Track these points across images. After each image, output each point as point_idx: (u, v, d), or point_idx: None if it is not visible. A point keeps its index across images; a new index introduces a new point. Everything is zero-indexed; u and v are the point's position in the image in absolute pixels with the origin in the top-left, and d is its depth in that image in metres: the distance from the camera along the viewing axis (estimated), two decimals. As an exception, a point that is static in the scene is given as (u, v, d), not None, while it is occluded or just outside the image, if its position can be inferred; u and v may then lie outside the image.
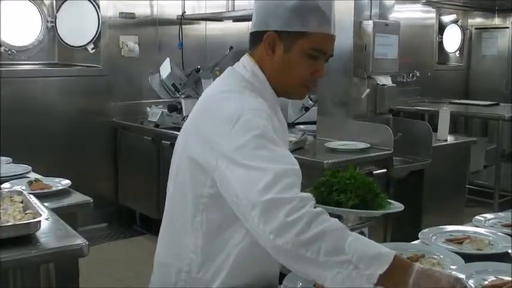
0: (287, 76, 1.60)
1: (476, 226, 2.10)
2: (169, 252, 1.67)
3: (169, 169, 1.72)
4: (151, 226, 4.77)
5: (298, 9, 1.54)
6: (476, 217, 2.19)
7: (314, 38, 1.55)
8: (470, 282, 1.55)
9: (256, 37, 1.62)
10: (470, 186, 5.35)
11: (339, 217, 1.72)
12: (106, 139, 5.25)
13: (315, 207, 1.35)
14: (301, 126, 4.43)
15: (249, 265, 1.60)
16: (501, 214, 2.23)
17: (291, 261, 1.31)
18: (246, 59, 1.65)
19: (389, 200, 1.79)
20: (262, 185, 1.32)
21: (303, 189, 1.80)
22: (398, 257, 1.28)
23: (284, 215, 1.27)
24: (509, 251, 1.78)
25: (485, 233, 2.00)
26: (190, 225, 1.60)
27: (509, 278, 1.53)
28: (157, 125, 4.80)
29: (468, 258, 1.74)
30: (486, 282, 1.55)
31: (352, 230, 3.55)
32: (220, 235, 1.58)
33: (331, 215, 1.73)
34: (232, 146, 1.42)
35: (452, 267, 1.67)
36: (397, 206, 1.79)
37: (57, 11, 5.22)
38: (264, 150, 1.40)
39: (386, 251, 1.28)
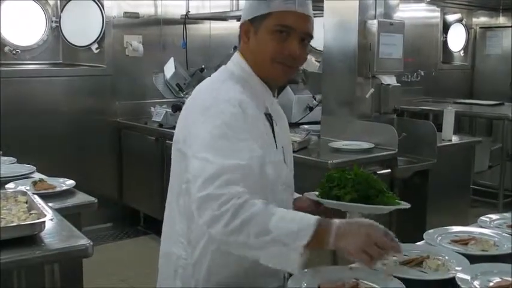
0: (260, 56, 1.67)
1: (482, 227, 2.09)
2: (168, 241, 1.74)
3: (172, 168, 1.77)
4: (155, 226, 4.76)
5: None
6: (482, 218, 2.18)
7: (277, 16, 1.63)
8: (476, 283, 1.55)
9: (239, 35, 1.74)
10: (474, 187, 5.34)
11: (344, 213, 1.75)
12: (110, 139, 5.25)
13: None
14: (305, 126, 4.42)
15: (233, 255, 1.58)
16: (506, 215, 2.22)
17: (228, 247, 1.46)
18: (235, 56, 1.76)
19: (397, 200, 1.79)
20: (202, 180, 1.43)
21: (308, 188, 1.83)
22: (319, 221, 1.41)
23: (213, 209, 1.40)
24: (515, 252, 1.78)
25: (491, 233, 2.00)
26: (177, 210, 1.68)
27: (515, 280, 1.53)
28: (161, 125, 4.80)
29: (473, 259, 1.74)
30: (491, 284, 1.55)
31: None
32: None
33: (338, 211, 1.76)
34: (196, 135, 1.54)
35: (457, 268, 1.67)
36: (403, 204, 1.79)
37: (62, 10, 5.23)
38: (223, 141, 1.49)
39: (307, 223, 1.40)
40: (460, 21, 7.54)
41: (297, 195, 1.90)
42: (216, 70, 1.83)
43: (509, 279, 1.56)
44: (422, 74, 6.48)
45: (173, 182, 1.72)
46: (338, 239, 1.41)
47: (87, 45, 5.20)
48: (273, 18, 1.63)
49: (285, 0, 1.63)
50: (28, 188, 2.45)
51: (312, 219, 1.42)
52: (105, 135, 5.22)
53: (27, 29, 5.15)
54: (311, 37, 1.69)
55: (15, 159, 3.12)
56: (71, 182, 2.67)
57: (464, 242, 1.92)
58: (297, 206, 1.82)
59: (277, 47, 1.63)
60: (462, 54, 7.70)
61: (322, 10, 4.07)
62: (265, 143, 1.63)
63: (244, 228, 1.38)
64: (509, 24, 7.46)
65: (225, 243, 1.45)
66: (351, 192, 1.69)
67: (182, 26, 5.50)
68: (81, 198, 2.54)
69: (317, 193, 1.82)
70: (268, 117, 1.70)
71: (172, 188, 1.73)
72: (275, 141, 1.70)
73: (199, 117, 1.56)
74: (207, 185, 1.42)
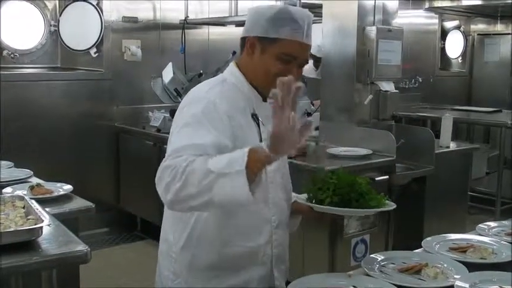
0: (263, 72, 1.78)
1: (480, 234, 2.10)
2: (165, 228, 1.86)
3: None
4: (152, 231, 4.76)
5: (274, 20, 1.75)
6: (480, 225, 2.19)
7: (285, 44, 1.74)
8: (474, 291, 1.55)
9: (242, 42, 1.84)
10: (472, 193, 5.33)
11: (342, 217, 1.75)
12: (108, 143, 5.24)
13: None
14: (304, 132, 4.41)
15: (217, 243, 1.73)
16: (505, 222, 2.22)
17: (186, 204, 1.54)
18: (230, 65, 1.89)
19: (386, 201, 1.79)
20: (164, 159, 1.57)
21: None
22: (250, 149, 1.49)
23: (166, 178, 1.52)
24: (513, 260, 1.78)
25: (489, 241, 2.00)
26: None
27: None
28: (159, 130, 4.80)
29: (472, 267, 1.74)
30: (490, 292, 1.55)
31: (353, 237, 3.53)
32: None
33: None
34: (173, 126, 1.73)
35: (456, 276, 1.67)
36: (388, 205, 1.79)
37: (60, 14, 5.22)
38: (188, 128, 1.65)
39: (239, 152, 1.50)
40: (458, 28, 7.56)
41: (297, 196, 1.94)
42: (214, 75, 1.89)
43: (508, 287, 1.56)
44: (420, 80, 6.50)
45: None
46: (270, 145, 1.45)
47: (85, 50, 5.20)
48: (280, 46, 1.73)
49: (294, 30, 1.73)
50: (25, 192, 2.45)
51: (238, 150, 1.52)
52: (103, 139, 5.21)
53: (25, 32, 5.14)
54: (307, 62, 1.83)
55: (13, 164, 3.10)
56: (68, 187, 2.67)
57: (462, 250, 1.92)
58: (296, 207, 1.90)
59: (281, 69, 1.73)
60: (460, 61, 7.72)
61: (321, 16, 4.07)
62: (243, 137, 1.72)
63: (189, 182, 1.48)
64: (507, 31, 7.49)
65: (180, 203, 1.54)
66: (332, 196, 1.71)
67: (181, 31, 5.50)
68: (79, 203, 2.53)
69: (306, 196, 1.85)
70: (255, 117, 1.81)
71: None
72: (260, 138, 1.78)
73: (179, 111, 1.75)
74: (165, 161, 1.56)
